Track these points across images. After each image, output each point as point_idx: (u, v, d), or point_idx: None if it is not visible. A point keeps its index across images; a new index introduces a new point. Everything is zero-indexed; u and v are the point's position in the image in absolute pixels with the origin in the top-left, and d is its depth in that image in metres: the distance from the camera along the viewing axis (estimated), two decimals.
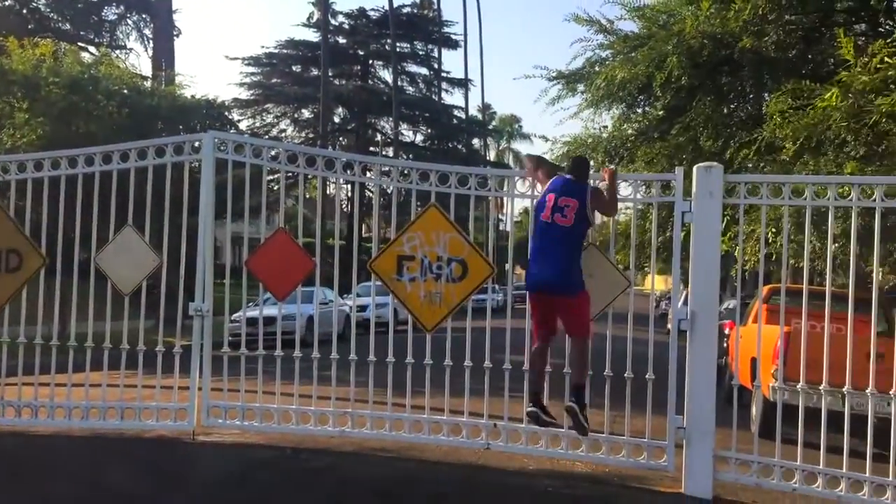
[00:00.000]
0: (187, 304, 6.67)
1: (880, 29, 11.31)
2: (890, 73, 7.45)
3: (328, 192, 32.68)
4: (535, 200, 6.22)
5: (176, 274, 6.80)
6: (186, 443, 6.68)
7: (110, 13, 33.21)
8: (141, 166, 6.90)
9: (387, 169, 6.94)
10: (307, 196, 42.06)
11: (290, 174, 7.03)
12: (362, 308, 15.49)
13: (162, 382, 6.96)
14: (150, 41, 30.53)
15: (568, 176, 6.10)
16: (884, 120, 7.32)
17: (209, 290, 6.70)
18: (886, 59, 7.64)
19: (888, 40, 8.37)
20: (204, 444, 6.68)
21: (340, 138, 47.82)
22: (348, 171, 6.71)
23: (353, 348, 6.58)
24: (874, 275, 6.04)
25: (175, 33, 28.88)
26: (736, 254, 6.58)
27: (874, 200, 5.73)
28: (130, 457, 6.40)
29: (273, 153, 6.93)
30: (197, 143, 6.91)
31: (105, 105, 17.35)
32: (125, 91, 18.84)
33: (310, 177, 6.87)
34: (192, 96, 21.20)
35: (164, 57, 26.15)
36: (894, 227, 5.85)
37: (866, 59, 7.93)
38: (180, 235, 6.80)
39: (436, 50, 48.97)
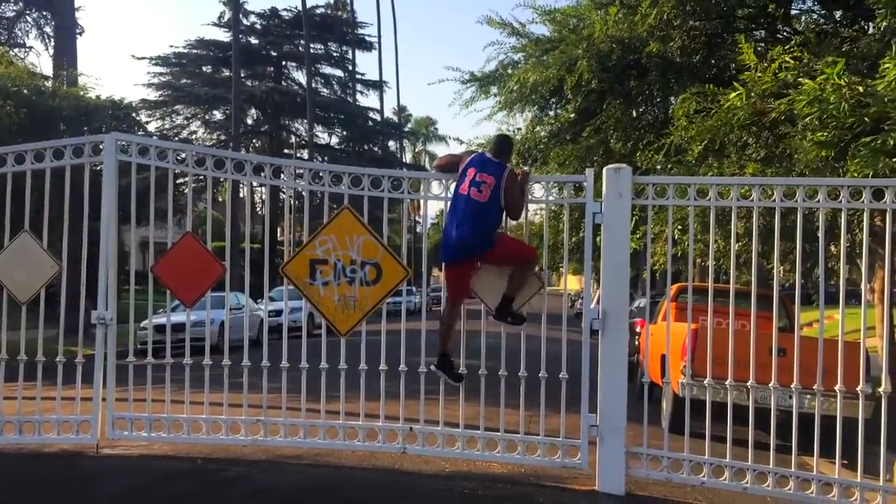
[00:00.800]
0: (90, 312, 6.42)
1: (778, 35, 11.78)
2: (788, 76, 7.74)
3: (241, 195, 32.04)
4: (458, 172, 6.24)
5: (78, 281, 6.53)
6: (90, 457, 6.42)
7: (8, 9, 31.78)
8: (38, 169, 6.60)
9: (299, 171, 6.83)
10: (219, 200, 41.27)
11: (200, 177, 6.83)
12: (278, 313, 15.29)
13: (63, 394, 6.66)
14: (52, 39, 29.33)
15: (489, 154, 6.23)
16: (782, 120, 7.59)
17: (113, 297, 6.45)
18: (787, 60, 7.94)
19: (786, 46, 8.72)
20: (108, 458, 6.42)
21: (253, 140, 47.01)
22: (260, 174, 6.56)
23: (265, 354, 6.44)
24: (775, 272, 6.25)
25: (78, 31, 27.75)
26: (646, 253, 6.70)
27: (774, 200, 5.94)
28: (29, 473, 6.10)
29: (181, 156, 6.73)
30: (98, 145, 6.64)
31: (2, 106, 16.58)
32: (25, 91, 18.05)
33: (222, 180, 6.69)
34: (97, 97, 20.48)
35: (66, 56, 25.11)
36: (793, 227, 6.05)
37: (766, 64, 8.24)
38: (82, 241, 6.53)
39: (350, 51, 48.66)
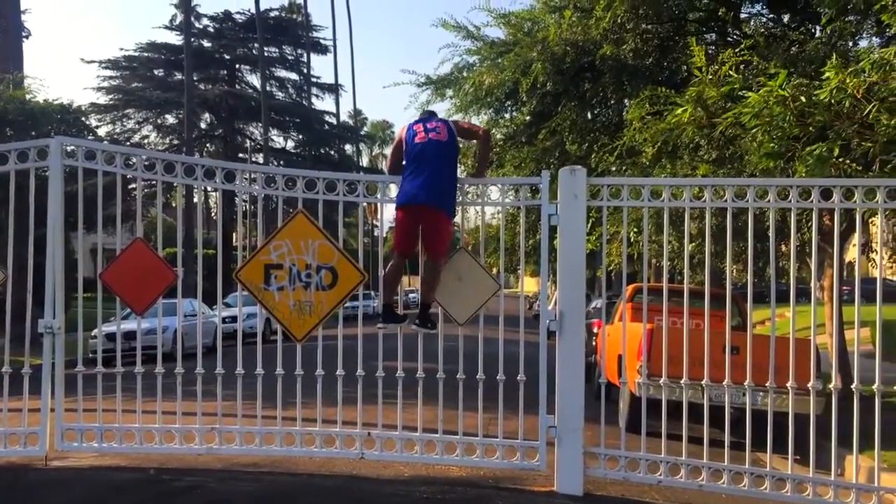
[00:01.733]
0: (37, 320, 6.27)
1: (728, 38, 11.98)
2: (735, 85, 7.88)
3: (195, 200, 31.63)
4: (404, 149, 6.31)
5: (24, 289, 6.36)
6: (39, 469, 6.25)
7: None
8: None
9: (253, 175, 6.75)
10: (173, 205, 40.70)
11: (153, 182, 6.73)
12: (233, 319, 15.09)
13: (10, 405, 6.49)
14: None
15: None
16: (729, 129, 7.72)
17: (60, 305, 6.30)
18: (731, 73, 8.08)
19: (736, 49, 8.86)
20: (58, 470, 6.26)
21: (207, 145, 46.49)
22: (213, 178, 6.46)
23: (219, 361, 6.35)
24: (727, 272, 6.34)
25: (24, 34, 27.16)
26: (602, 254, 6.75)
27: (725, 201, 6.02)
28: None
29: (131, 160, 6.59)
30: (44, 149, 6.48)
31: None
32: None
33: (175, 185, 6.59)
34: (45, 101, 20.05)
35: (11, 59, 24.56)
36: (745, 226, 6.15)
37: (716, 67, 8.36)
38: (28, 248, 6.37)
39: (305, 55, 48.40)
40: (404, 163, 6.31)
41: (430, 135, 6.20)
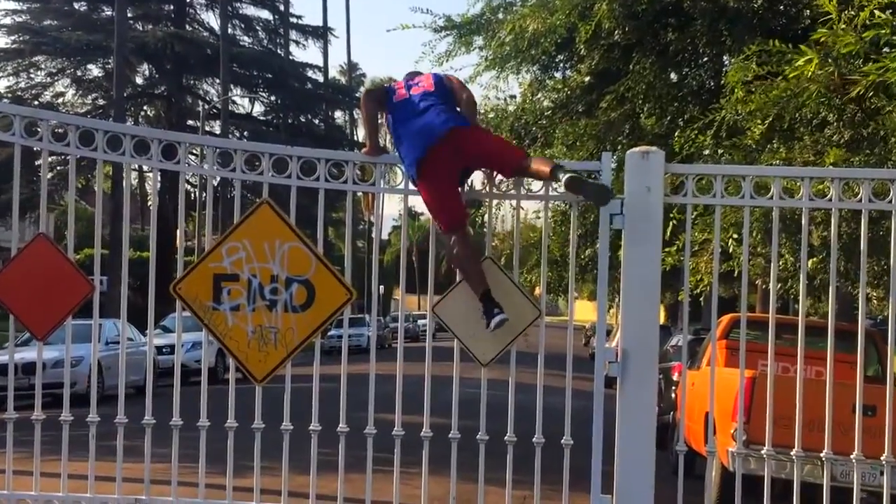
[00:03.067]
0: None
1: None
2: (883, 31, 7.79)
3: (123, 183, 31.86)
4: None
5: None
6: None
7: None
8: None
9: (203, 151, 6.77)
10: (93, 189, 41.03)
11: (64, 157, 6.78)
12: (172, 349, 15.06)
13: None
14: None
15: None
16: (873, 91, 7.64)
17: None
18: (877, 12, 7.99)
19: None
20: None
21: (145, 107, 46.96)
22: (146, 154, 6.47)
23: (148, 406, 6.38)
24: (861, 300, 6.27)
25: None
26: (684, 272, 6.72)
27: (860, 200, 5.97)
28: None
29: (37, 127, 6.60)
30: None
31: None
32: None
33: (97, 162, 6.63)
34: None
35: None
36: (887, 236, 6.10)
37: (852, 13, 8.30)
38: None
39: None
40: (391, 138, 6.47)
41: (412, 90, 6.38)
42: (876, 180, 6.09)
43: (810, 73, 8.18)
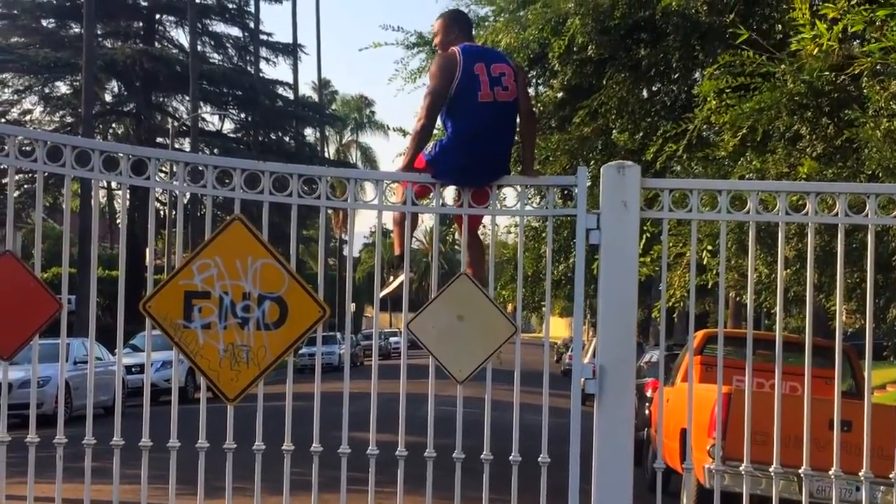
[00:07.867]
0: None
1: None
2: (852, 45, 7.84)
3: (92, 200, 31.79)
4: (455, 84, 6.26)
5: None
6: None
7: None
8: None
9: (173, 167, 6.72)
10: (62, 207, 40.86)
11: (31, 174, 6.70)
12: (141, 369, 15.00)
13: None
14: None
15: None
16: (847, 101, 7.66)
17: None
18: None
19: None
20: None
21: (113, 124, 46.83)
22: (115, 170, 6.43)
23: (117, 427, 6.31)
24: (838, 314, 6.26)
25: None
26: (660, 286, 6.72)
27: (836, 214, 5.98)
28: None
29: (3, 144, 6.55)
30: None
31: None
32: None
33: (64, 178, 6.58)
34: None
35: None
36: (862, 250, 6.12)
37: (826, 25, 8.33)
38: None
39: (252, 2, 48.73)
40: (447, 118, 6.37)
41: (498, 91, 6.22)
42: (850, 194, 6.10)
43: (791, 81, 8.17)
